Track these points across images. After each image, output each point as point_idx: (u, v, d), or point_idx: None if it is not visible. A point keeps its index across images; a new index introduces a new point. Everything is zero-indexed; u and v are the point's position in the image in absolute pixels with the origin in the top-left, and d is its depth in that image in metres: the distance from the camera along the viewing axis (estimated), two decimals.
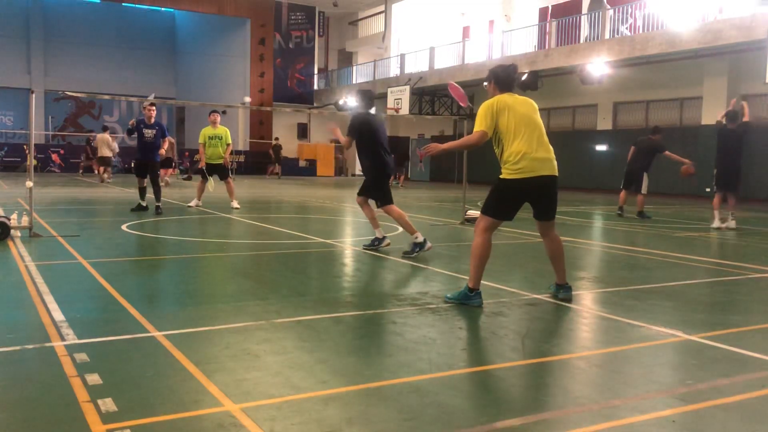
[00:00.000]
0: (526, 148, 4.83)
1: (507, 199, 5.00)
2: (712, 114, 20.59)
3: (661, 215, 14.14)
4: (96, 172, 23.15)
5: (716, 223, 11.20)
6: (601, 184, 24.07)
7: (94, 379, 3.11)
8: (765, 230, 11.42)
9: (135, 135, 11.77)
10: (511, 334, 4.24)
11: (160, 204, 11.59)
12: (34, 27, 34.86)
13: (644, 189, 13.22)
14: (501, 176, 4.95)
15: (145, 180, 11.83)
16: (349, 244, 8.18)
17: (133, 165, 12.09)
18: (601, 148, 24.63)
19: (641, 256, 7.85)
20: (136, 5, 34.33)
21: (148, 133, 11.58)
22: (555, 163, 5.00)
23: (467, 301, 4.87)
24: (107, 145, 21.84)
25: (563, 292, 5.18)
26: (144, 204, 11.82)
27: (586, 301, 5.35)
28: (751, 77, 18.93)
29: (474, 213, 11.16)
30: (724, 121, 11.36)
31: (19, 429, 2.62)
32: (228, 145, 12.94)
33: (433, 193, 22.09)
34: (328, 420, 2.74)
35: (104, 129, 23.32)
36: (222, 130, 12.90)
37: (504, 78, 5.07)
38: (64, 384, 3.06)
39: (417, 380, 3.27)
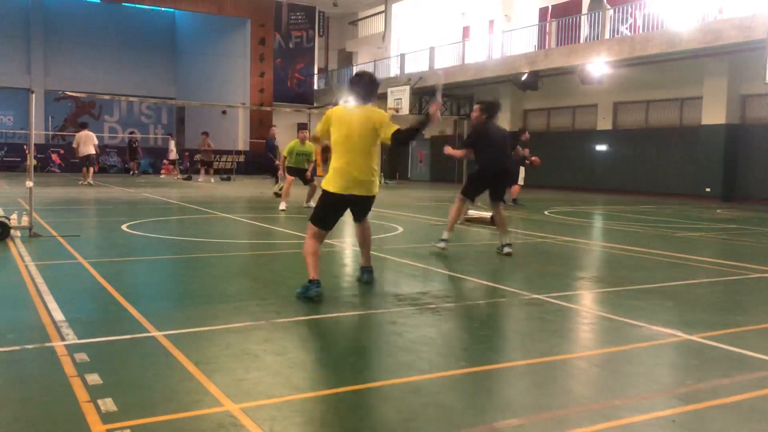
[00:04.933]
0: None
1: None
2: (712, 114, 20.58)
3: (661, 215, 14.14)
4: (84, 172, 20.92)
5: None
6: (601, 184, 24.07)
7: (94, 379, 3.11)
8: (765, 230, 11.42)
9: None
10: (511, 334, 4.24)
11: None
12: (34, 27, 34.82)
13: (521, 180, 15.68)
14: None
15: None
16: (349, 244, 8.18)
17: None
18: (601, 148, 24.63)
19: (641, 256, 7.85)
20: (136, 5, 34.27)
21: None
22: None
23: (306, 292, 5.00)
24: (91, 141, 20.57)
25: (366, 274, 5.65)
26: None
27: (586, 301, 5.36)
28: (751, 77, 18.92)
29: (474, 213, 11.16)
30: None
31: (19, 428, 2.62)
32: (313, 161, 13.42)
33: (433, 193, 22.08)
34: (329, 420, 2.74)
35: (83, 126, 22.20)
36: (309, 147, 13.31)
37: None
38: (64, 384, 3.06)
39: (417, 380, 3.27)
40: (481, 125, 7.40)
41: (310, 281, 5.02)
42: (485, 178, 7.47)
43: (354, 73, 5.61)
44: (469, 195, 7.62)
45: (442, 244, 7.40)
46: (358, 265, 6.84)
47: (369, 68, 33.82)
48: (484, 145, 7.28)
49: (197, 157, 26.36)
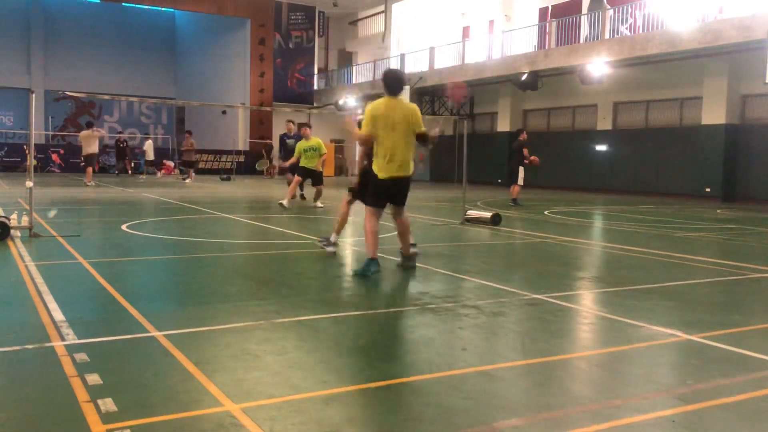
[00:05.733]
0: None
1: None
2: (712, 114, 20.59)
3: (661, 215, 14.14)
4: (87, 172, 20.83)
5: None
6: (601, 184, 24.07)
7: (94, 379, 3.11)
8: (765, 230, 11.42)
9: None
10: (511, 334, 4.24)
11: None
12: (34, 27, 34.81)
13: (520, 180, 15.66)
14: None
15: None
16: (349, 244, 8.18)
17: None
18: (601, 148, 24.63)
19: (641, 256, 7.85)
20: (136, 5, 34.27)
21: (290, 142, 14.90)
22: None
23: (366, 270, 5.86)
24: (94, 140, 20.49)
25: (406, 261, 6.39)
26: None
27: (586, 301, 5.36)
28: (751, 77, 18.92)
29: (474, 213, 11.17)
30: None
31: (19, 429, 2.62)
32: (322, 154, 13.46)
33: (433, 193, 22.07)
34: (328, 420, 2.74)
35: (89, 125, 21.99)
36: (315, 142, 13.44)
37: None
38: (64, 384, 3.06)
39: (417, 380, 3.28)
40: None
41: (370, 260, 5.90)
42: None
43: (386, 69, 6.73)
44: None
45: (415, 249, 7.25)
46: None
47: (369, 68, 33.96)
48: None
49: (194, 157, 26.38)
